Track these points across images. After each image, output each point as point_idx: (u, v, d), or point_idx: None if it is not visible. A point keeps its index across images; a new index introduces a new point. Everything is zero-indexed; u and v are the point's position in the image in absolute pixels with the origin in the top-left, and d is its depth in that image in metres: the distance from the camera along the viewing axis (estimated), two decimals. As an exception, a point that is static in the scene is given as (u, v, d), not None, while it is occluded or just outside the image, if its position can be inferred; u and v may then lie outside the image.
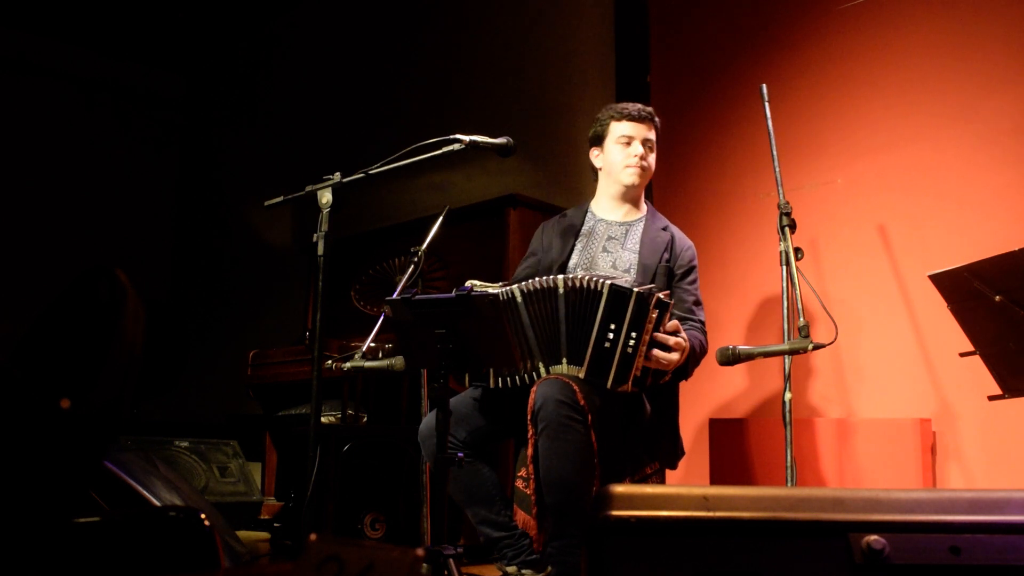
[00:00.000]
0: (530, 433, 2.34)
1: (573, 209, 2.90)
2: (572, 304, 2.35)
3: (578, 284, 2.34)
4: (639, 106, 2.80)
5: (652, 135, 2.78)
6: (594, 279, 2.35)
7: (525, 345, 2.41)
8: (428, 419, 2.51)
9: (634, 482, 2.48)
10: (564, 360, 2.37)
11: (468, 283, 2.43)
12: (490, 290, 2.42)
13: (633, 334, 2.28)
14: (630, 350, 2.28)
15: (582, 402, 2.28)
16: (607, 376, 2.30)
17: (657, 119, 2.81)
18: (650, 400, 2.54)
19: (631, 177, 2.75)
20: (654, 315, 2.30)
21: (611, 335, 2.30)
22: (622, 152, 2.76)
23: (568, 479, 2.28)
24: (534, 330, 2.39)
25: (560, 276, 2.38)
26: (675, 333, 2.39)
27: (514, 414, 2.47)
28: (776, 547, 0.99)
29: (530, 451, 2.35)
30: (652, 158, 2.79)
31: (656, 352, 2.34)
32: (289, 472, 4.14)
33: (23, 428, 1.34)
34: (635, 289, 2.30)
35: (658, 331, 2.34)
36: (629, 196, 2.79)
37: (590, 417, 2.29)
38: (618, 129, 2.76)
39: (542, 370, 2.40)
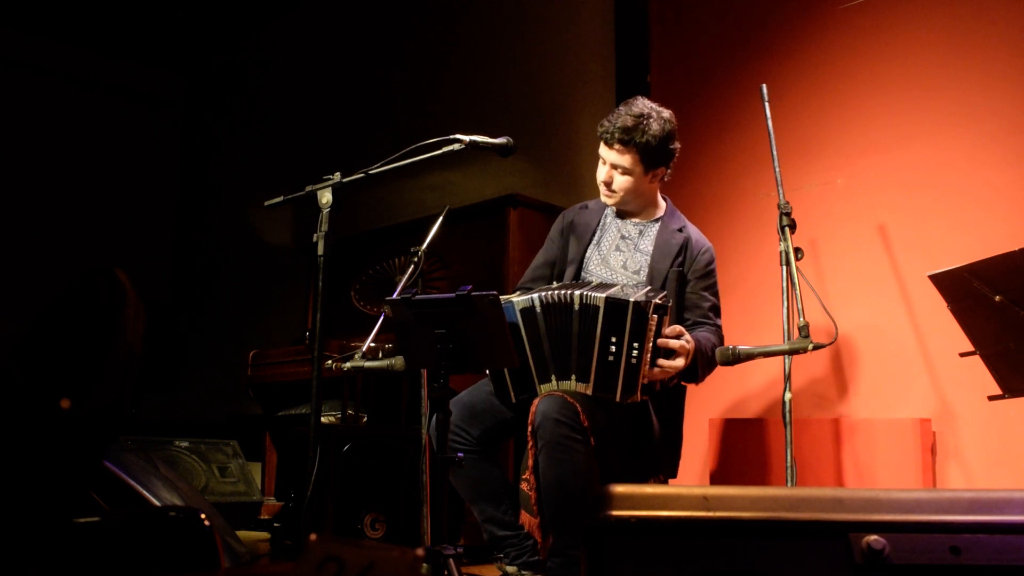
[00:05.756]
0: (530, 445, 2.34)
1: (595, 201, 2.80)
2: (583, 320, 2.35)
3: (586, 300, 2.34)
4: (616, 124, 2.55)
5: (624, 160, 2.56)
6: (591, 294, 2.33)
7: (540, 356, 2.40)
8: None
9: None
10: (573, 377, 2.36)
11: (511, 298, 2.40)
12: (510, 297, 2.43)
13: (635, 344, 2.27)
14: (634, 361, 2.28)
15: (584, 422, 2.26)
16: (615, 390, 2.30)
17: (637, 134, 2.52)
18: (657, 413, 2.52)
19: (602, 198, 2.69)
20: (653, 321, 2.29)
21: (613, 348, 2.29)
22: (598, 168, 2.66)
23: (567, 497, 2.26)
24: (550, 342, 2.39)
25: (577, 292, 2.36)
26: (678, 337, 2.38)
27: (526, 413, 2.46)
28: (776, 547, 0.99)
29: (530, 462, 2.35)
30: (626, 180, 2.59)
31: (661, 361, 2.33)
32: (289, 472, 4.14)
33: (23, 428, 1.34)
34: (631, 299, 2.28)
35: (660, 336, 2.33)
36: (623, 209, 2.71)
37: (592, 438, 2.27)
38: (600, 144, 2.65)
39: (554, 382, 2.39)
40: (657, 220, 2.72)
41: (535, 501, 2.36)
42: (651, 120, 2.56)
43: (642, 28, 3.92)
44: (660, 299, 2.33)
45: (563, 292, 2.39)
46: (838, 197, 3.19)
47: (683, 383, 2.57)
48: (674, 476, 2.63)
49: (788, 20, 3.43)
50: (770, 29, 3.48)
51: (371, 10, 5.69)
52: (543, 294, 2.40)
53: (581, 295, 2.35)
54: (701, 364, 2.44)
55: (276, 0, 6.20)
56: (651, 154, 2.57)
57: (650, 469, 2.52)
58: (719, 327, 2.62)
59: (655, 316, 2.30)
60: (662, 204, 2.76)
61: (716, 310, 2.64)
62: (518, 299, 2.42)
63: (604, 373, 2.31)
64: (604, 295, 2.31)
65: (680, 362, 2.36)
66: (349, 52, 5.76)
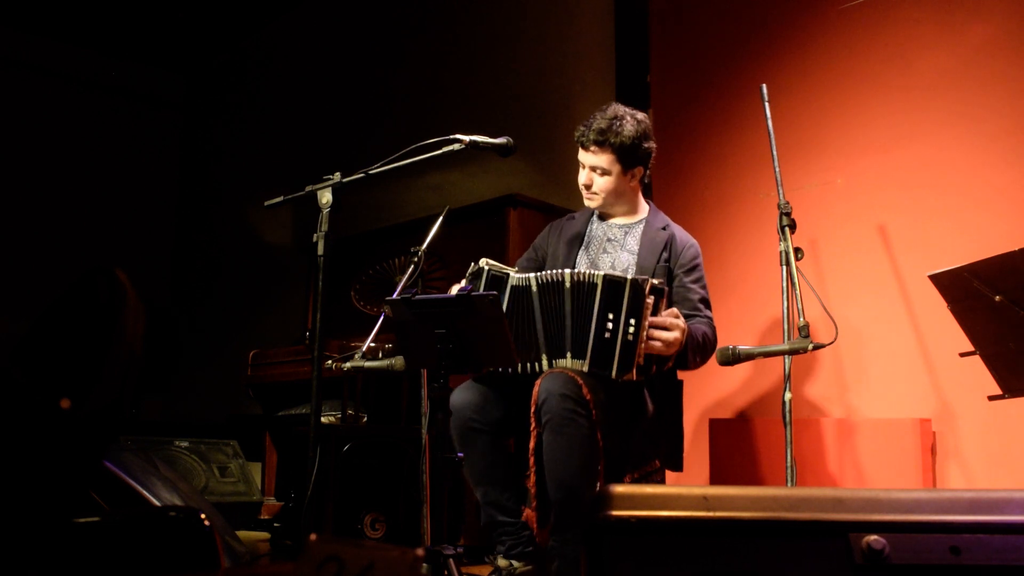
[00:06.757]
0: (532, 427, 2.36)
1: (580, 212, 2.88)
2: (576, 298, 2.39)
3: (579, 278, 2.39)
4: (591, 127, 2.62)
5: (601, 160, 2.62)
6: (590, 272, 2.39)
7: (532, 337, 2.44)
8: (465, 393, 2.50)
9: (635, 480, 2.49)
10: (568, 354, 2.40)
11: (482, 261, 2.47)
12: (507, 270, 2.49)
13: (632, 321, 2.31)
14: (631, 337, 2.31)
15: (587, 396, 2.30)
16: (611, 366, 2.32)
17: (612, 134, 2.58)
18: (653, 399, 2.54)
19: (585, 202, 2.75)
20: (650, 301, 2.33)
21: (610, 324, 2.32)
22: (579, 173, 2.73)
23: (572, 474, 2.29)
24: (543, 322, 2.43)
25: (567, 270, 2.42)
26: (674, 319, 2.41)
27: (520, 410, 2.47)
28: (776, 547, 0.99)
29: (532, 444, 2.36)
30: (605, 180, 2.65)
31: (655, 332, 2.35)
32: (289, 472, 4.14)
33: (23, 428, 1.34)
34: (628, 277, 2.34)
35: (656, 317, 2.36)
36: (607, 210, 2.77)
37: (595, 412, 2.30)
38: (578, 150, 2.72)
39: (545, 363, 2.43)
40: (641, 221, 2.77)
41: (533, 483, 2.37)
42: (625, 121, 2.61)
43: (642, 28, 3.92)
44: (657, 282, 2.38)
45: (556, 271, 2.44)
46: (838, 197, 3.19)
47: (675, 367, 2.59)
48: (680, 469, 2.63)
49: (788, 20, 3.43)
50: (770, 29, 3.48)
51: (371, 10, 5.69)
52: (538, 274, 2.45)
53: (578, 272, 2.41)
54: (691, 347, 2.47)
55: (276, 0, 6.20)
56: (627, 153, 2.63)
57: (648, 450, 2.53)
58: (710, 319, 2.65)
59: (651, 296, 2.33)
60: (645, 206, 2.81)
61: (706, 302, 2.67)
62: (511, 272, 2.47)
63: (601, 349, 2.33)
64: (602, 272, 2.37)
65: (677, 335, 2.37)
66: (349, 52, 5.76)
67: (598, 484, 2.33)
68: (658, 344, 2.35)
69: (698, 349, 2.51)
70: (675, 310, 2.44)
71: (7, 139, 6.24)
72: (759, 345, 2.31)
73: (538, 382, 2.36)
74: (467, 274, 2.54)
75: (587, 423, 2.29)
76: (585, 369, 2.35)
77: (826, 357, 3.13)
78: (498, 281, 2.47)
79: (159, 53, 6.94)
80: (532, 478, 2.38)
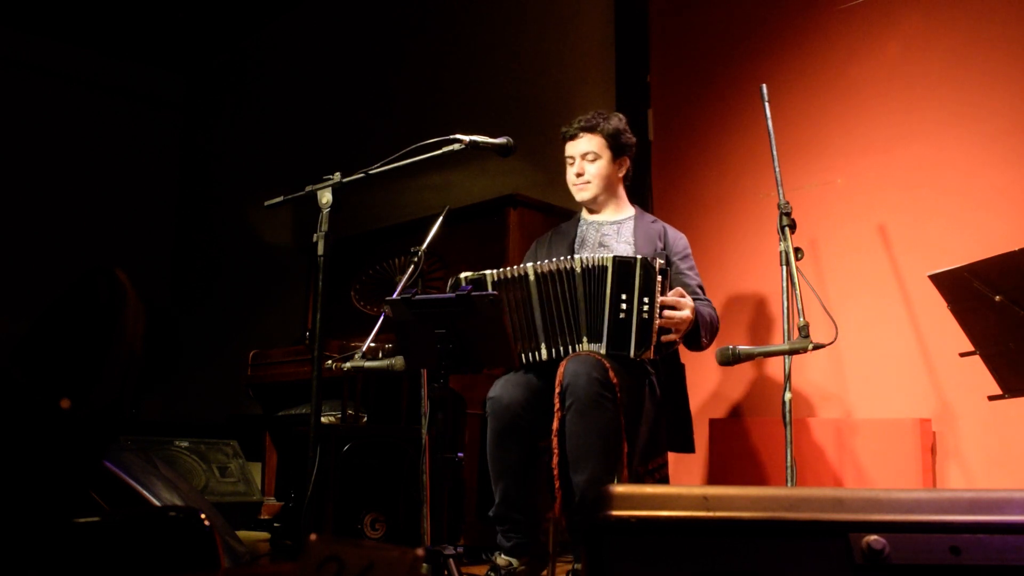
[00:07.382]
0: (556, 407, 2.37)
1: (566, 223, 2.96)
2: (587, 282, 2.44)
3: (588, 263, 2.45)
4: (577, 120, 2.77)
5: (590, 145, 2.75)
6: (599, 256, 2.44)
7: (528, 326, 2.47)
8: (512, 388, 2.49)
9: (647, 471, 2.51)
10: (585, 339, 2.44)
11: (461, 275, 2.50)
12: (484, 273, 2.53)
13: (646, 300, 2.37)
14: (646, 315, 2.37)
15: (614, 380, 2.33)
16: (628, 345, 2.37)
17: (600, 122, 2.74)
18: (660, 387, 2.58)
19: (577, 195, 2.83)
20: (659, 279, 2.40)
21: (624, 305, 2.38)
22: (568, 172, 2.82)
23: (596, 458, 2.30)
24: (542, 311, 2.47)
25: (577, 256, 2.47)
26: (681, 299, 2.47)
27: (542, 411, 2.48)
28: (776, 547, 0.99)
29: (555, 425, 2.37)
30: (597, 166, 2.76)
31: (666, 312, 2.41)
32: (289, 472, 4.14)
33: (23, 428, 1.34)
34: (638, 256, 2.41)
35: (665, 297, 2.43)
36: (598, 204, 2.83)
37: (620, 396, 2.34)
38: (565, 150, 2.82)
39: (544, 351, 2.46)
40: (630, 217, 2.85)
41: (556, 464, 2.37)
42: (607, 114, 2.80)
43: (642, 28, 3.92)
44: (661, 262, 2.45)
45: (564, 258, 2.48)
46: (838, 197, 3.19)
47: (688, 348, 2.63)
48: (692, 450, 2.66)
49: (788, 20, 3.43)
50: (770, 29, 3.48)
51: (371, 10, 5.69)
52: (538, 264, 2.50)
53: (588, 257, 2.46)
54: (703, 325, 2.53)
55: (276, 0, 6.20)
56: (614, 139, 2.76)
57: (653, 444, 2.54)
58: (710, 302, 2.71)
59: (660, 275, 2.40)
60: (630, 207, 2.88)
61: (702, 288, 2.75)
62: (490, 271, 2.53)
63: (617, 330, 2.38)
64: (611, 254, 2.43)
65: (687, 313, 2.44)
66: (349, 52, 5.76)
67: (621, 469, 2.35)
68: (671, 324, 2.41)
69: (708, 327, 2.57)
70: (680, 289, 2.50)
71: (7, 139, 6.24)
72: (759, 345, 2.31)
73: (563, 364, 2.40)
74: (447, 288, 2.57)
75: (613, 407, 2.32)
76: (602, 351, 2.39)
77: (826, 357, 3.13)
78: (478, 284, 2.51)
79: (159, 53, 6.94)
80: (555, 458, 2.38)
